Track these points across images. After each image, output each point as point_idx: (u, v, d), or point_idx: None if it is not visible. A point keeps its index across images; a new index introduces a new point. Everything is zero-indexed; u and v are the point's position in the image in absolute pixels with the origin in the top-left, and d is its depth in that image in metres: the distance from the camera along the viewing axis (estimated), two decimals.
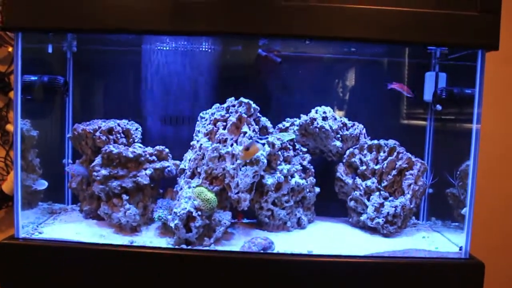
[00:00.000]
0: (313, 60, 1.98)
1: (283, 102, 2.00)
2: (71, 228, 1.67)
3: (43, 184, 1.81)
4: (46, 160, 1.88)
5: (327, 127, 1.79)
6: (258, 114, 1.75)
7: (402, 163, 1.75)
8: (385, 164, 1.76)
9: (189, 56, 1.95)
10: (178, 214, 1.49)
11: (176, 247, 1.50)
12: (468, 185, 1.52)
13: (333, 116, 1.84)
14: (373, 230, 1.74)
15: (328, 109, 1.85)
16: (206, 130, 1.73)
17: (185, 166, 1.73)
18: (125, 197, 1.64)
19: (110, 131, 1.77)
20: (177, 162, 1.79)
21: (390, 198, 1.74)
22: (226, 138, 1.67)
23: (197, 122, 1.82)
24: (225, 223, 1.57)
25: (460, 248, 1.55)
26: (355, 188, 1.79)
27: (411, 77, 1.95)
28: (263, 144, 1.61)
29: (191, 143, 1.76)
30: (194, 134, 1.79)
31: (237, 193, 1.60)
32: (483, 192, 1.62)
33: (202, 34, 1.55)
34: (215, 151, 1.63)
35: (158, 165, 1.73)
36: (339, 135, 1.84)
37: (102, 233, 1.62)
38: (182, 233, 1.50)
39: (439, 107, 1.84)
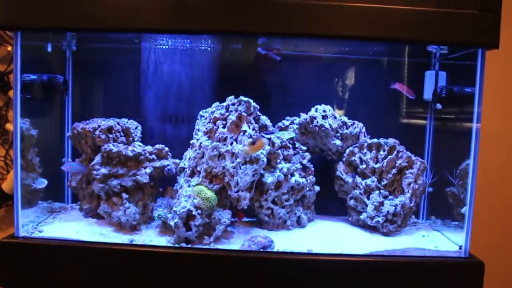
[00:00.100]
0: (313, 58, 1.98)
1: (282, 101, 2.00)
2: (71, 226, 1.67)
3: (42, 183, 1.81)
4: (46, 159, 1.87)
5: (327, 125, 1.79)
6: (258, 113, 1.75)
7: (402, 161, 1.75)
8: (385, 163, 1.76)
9: (189, 54, 1.94)
10: (178, 213, 1.50)
11: (176, 245, 1.50)
12: (468, 184, 1.52)
13: (333, 115, 1.84)
14: (373, 229, 1.74)
15: (328, 107, 1.85)
16: (206, 128, 1.73)
17: (184, 165, 1.73)
18: (124, 195, 1.64)
19: (109, 129, 1.76)
20: (177, 160, 1.78)
21: (390, 197, 1.74)
22: (226, 137, 1.67)
23: (197, 121, 1.81)
24: (225, 222, 1.57)
25: (460, 247, 1.55)
26: (355, 186, 1.79)
27: (411, 76, 1.95)
28: (269, 139, 1.61)
29: (191, 142, 1.75)
30: (193, 133, 1.79)
31: (237, 191, 1.60)
32: (483, 191, 1.62)
33: (201, 32, 1.54)
34: (214, 150, 1.63)
35: (157, 163, 1.73)
36: (339, 134, 1.84)
37: (102, 231, 1.62)
38: (182, 231, 1.50)
39: (439, 106, 1.83)
